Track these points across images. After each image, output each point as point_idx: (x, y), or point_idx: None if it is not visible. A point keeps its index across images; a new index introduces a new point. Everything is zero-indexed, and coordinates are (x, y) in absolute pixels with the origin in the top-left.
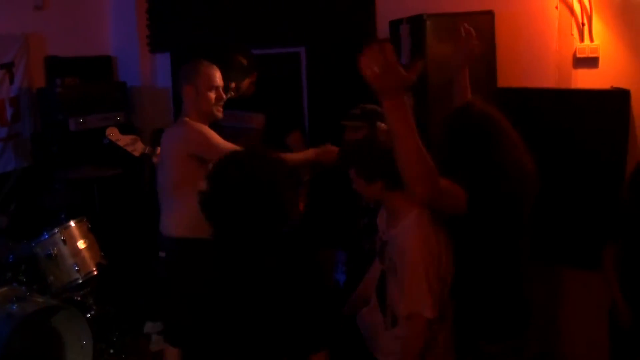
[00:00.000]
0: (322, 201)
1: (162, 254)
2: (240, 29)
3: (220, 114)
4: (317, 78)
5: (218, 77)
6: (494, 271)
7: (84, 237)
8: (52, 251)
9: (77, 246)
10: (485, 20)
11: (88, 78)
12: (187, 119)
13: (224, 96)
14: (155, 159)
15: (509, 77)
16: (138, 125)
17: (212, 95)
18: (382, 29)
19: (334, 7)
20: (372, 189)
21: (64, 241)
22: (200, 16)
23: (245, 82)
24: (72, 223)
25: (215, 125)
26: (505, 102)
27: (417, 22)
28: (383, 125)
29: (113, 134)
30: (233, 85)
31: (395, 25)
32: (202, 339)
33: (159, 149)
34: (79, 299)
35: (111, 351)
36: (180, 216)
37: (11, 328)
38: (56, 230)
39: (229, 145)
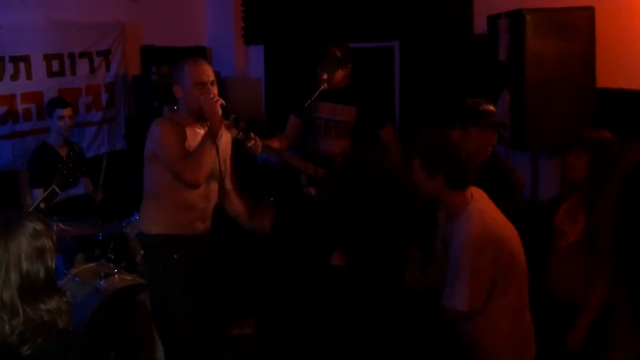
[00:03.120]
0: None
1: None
2: (335, 22)
3: (212, 108)
4: (410, 73)
5: (203, 73)
6: None
7: None
8: None
9: None
10: (585, 16)
11: None
12: (169, 116)
13: (213, 91)
14: (249, 144)
15: (609, 77)
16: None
17: (198, 92)
18: (480, 24)
19: (430, 1)
20: (432, 184)
21: None
22: (295, 9)
23: (338, 74)
24: None
25: (307, 117)
26: (604, 104)
27: (516, 17)
28: None
29: None
30: (325, 76)
31: (493, 19)
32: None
33: (252, 134)
34: None
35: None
36: (148, 214)
37: (97, 302)
38: None
39: (172, 140)
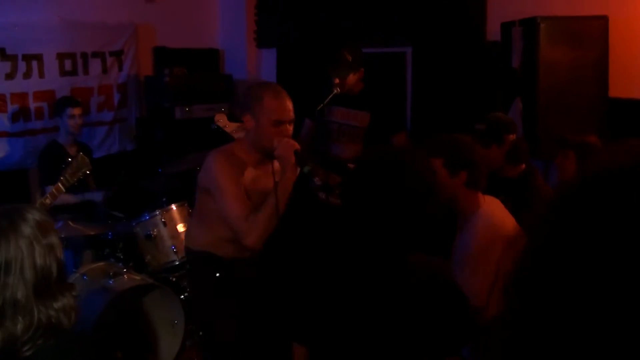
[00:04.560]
0: None
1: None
2: (347, 27)
3: (286, 154)
4: (422, 79)
5: (284, 110)
6: None
7: (184, 221)
8: (151, 232)
9: (176, 229)
10: (598, 26)
11: (195, 69)
12: (226, 147)
13: (290, 130)
14: None
15: (622, 87)
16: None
17: (274, 130)
18: (493, 31)
19: (443, 7)
20: (453, 183)
21: (164, 223)
22: (308, 13)
23: (350, 78)
24: (173, 206)
25: (320, 121)
26: (616, 114)
27: (530, 25)
28: (512, 136)
29: (221, 120)
30: (337, 81)
31: (507, 27)
32: (331, 338)
33: None
34: (173, 280)
35: (200, 333)
36: (196, 234)
37: (106, 301)
38: (157, 212)
39: (231, 190)
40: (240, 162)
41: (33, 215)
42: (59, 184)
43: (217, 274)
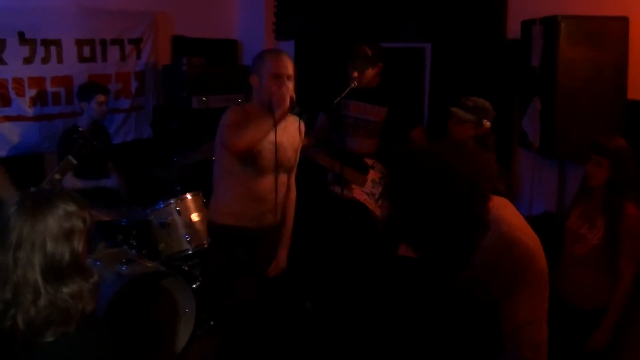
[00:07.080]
0: None
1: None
2: (367, 21)
3: (280, 98)
4: (441, 75)
5: (282, 65)
6: None
7: (198, 210)
8: (166, 220)
9: (190, 218)
10: (619, 27)
11: (213, 60)
12: (239, 105)
13: (289, 86)
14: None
15: None
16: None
17: (273, 83)
18: (513, 29)
19: (464, 4)
20: None
21: (179, 212)
22: (328, 6)
23: (368, 72)
24: (188, 195)
25: (336, 115)
26: (634, 116)
27: (550, 24)
28: (487, 123)
29: None
30: (355, 74)
31: (527, 25)
32: None
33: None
34: (186, 268)
35: (211, 323)
36: (218, 203)
37: (118, 287)
38: (172, 201)
39: (232, 123)
40: (249, 116)
41: (64, 204)
42: (70, 157)
43: (240, 248)
